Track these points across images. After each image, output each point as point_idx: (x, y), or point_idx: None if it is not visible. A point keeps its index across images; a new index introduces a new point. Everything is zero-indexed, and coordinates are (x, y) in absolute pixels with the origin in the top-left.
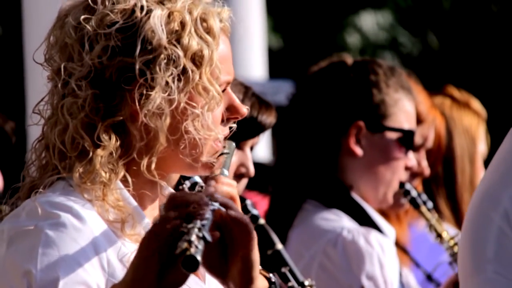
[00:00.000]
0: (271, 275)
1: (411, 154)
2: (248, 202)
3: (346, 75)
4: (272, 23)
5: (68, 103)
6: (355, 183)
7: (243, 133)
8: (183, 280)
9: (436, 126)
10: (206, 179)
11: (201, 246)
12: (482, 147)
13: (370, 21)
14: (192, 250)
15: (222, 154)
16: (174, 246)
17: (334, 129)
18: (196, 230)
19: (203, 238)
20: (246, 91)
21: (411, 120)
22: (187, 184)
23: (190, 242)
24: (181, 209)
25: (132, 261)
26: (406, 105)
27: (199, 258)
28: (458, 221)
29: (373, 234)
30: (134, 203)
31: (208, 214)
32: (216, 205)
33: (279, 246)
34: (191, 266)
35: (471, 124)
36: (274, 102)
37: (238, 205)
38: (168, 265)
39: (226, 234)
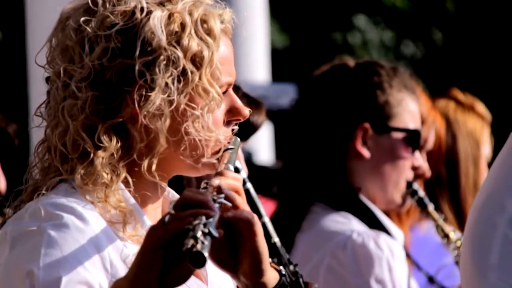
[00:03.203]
0: (281, 267)
1: (417, 154)
2: None
3: (349, 77)
4: (278, 24)
5: (69, 105)
6: (363, 185)
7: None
8: (186, 277)
9: (436, 128)
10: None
11: (207, 242)
12: (486, 150)
13: (372, 23)
14: (199, 246)
15: (227, 149)
16: (179, 243)
17: (340, 133)
18: (201, 226)
19: (209, 233)
20: (236, 92)
21: (415, 119)
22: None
23: (196, 239)
24: (189, 208)
25: (136, 257)
26: (410, 105)
27: (206, 254)
28: (461, 224)
29: (383, 237)
30: (133, 201)
31: (214, 210)
32: (222, 199)
33: (276, 239)
34: (198, 262)
35: (476, 127)
36: (276, 105)
37: (243, 198)
38: (172, 261)
39: (234, 228)
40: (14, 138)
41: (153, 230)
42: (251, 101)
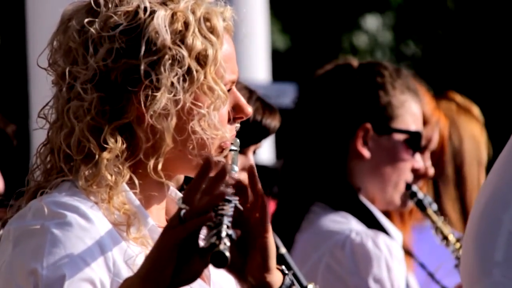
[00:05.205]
0: (283, 266)
1: (418, 156)
2: None
3: (352, 77)
4: (279, 24)
5: (74, 107)
6: (362, 185)
7: (247, 138)
8: (196, 276)
9: (440, 128)
10: None
11: (228, 243)
12: (484, 154)
13: (376, 23)
14: (221, 246)
15: (230, 150)
16: (193, 240)
17: (341, 132)
18: (225, 226)
19: (230, 236)
20: (251, 95)
21: (417, 121)
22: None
23: (220, 238)
24: (208, 201)
25: (149, 254)
26: (412, 107)
27: (228, 254)
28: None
29: (381, 237)
30: (138, 203)
31: (231, 212)
32: (236, 201)
33: (283, 250)
34: (220, 262)
35: (477, 129)
36: (277, 104)
37: None
38: (183, 259)
39: (243, 227)
40: (13, 139)
41: (170, 228)
42: (266, 106)
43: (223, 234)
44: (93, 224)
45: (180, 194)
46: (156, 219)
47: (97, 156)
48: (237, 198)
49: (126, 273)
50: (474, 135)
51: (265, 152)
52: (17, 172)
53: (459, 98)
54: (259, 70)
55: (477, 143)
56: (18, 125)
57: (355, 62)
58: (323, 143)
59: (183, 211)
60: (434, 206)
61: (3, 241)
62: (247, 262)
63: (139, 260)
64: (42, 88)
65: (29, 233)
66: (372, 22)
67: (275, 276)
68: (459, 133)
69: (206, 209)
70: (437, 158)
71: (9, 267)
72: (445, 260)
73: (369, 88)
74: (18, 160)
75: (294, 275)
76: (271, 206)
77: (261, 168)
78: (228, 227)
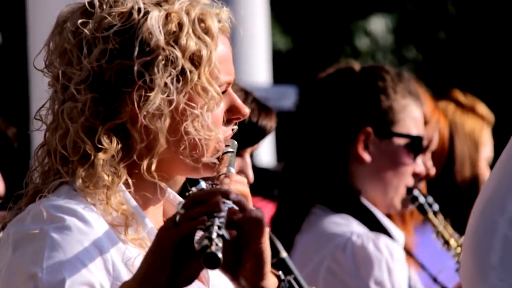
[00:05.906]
0: (280, 272)
1: (419, 160)
2: None
3: (354, 81)
4: (280, 26)
5: (68, 108)
6: (363, 189)
7: (243, 139)
8: (194, 277)
9: (440, 128)
10: (214, 179)
11: (220, 244)
12: (487, 151)
13: (379, 25)
14: (213, 248)
15: (226, 152)
16: (189, 243)
17: (342, 136)
18: (216, 228)
19: (222, 236)
20: (246, 96)
21: (419, 125)
22: (193, 190)
23: (211, 240)
24: (202, 207)
25: (145, 257)
26: (414, 111)
27: (220, 255)
28: (454, 225)
29: (383, 239)
30: (134, 203)
31: (224, 213)
32: (230, 204)
33: (284, 254)
34: (213, 263)
35: (475, 129)
36: (277, 107)
37: (250, 202)
38: (180, 261)
39: (239, 231)
40: (13, 141)
41: (164, 230)
42: (262, 107)
43: (214, 235)
44: (92, 227)
45: (178, 197)
46: (153, 221)
47: (92, 157)
48: (230, 202)
49: (126, 275)
50: (470, 134)
51: (266, 154)
52: (18, 174)
53: (461, 96)
54: (260, 72)
55: (473, 143)
56: (19, 127)
57: (356, 65)
58: (324, 146)
59: (178, 216)
60: (436, 207)
61: (3, 245)
62: (241, 263)
63: (138, 262)
64: (42, 90)
65: (29, 237)
66: (377, 24)
67: (269, 282)
68: (451, 134)
69: (200, 214)
70: (438, 158)
71: (8, 271)
72: (448, 264)
73: (371, 92)
74: (19, 162)
75: (295, 279)
76: (271, 209)
77: (262, 170)
78: (219, 227)
